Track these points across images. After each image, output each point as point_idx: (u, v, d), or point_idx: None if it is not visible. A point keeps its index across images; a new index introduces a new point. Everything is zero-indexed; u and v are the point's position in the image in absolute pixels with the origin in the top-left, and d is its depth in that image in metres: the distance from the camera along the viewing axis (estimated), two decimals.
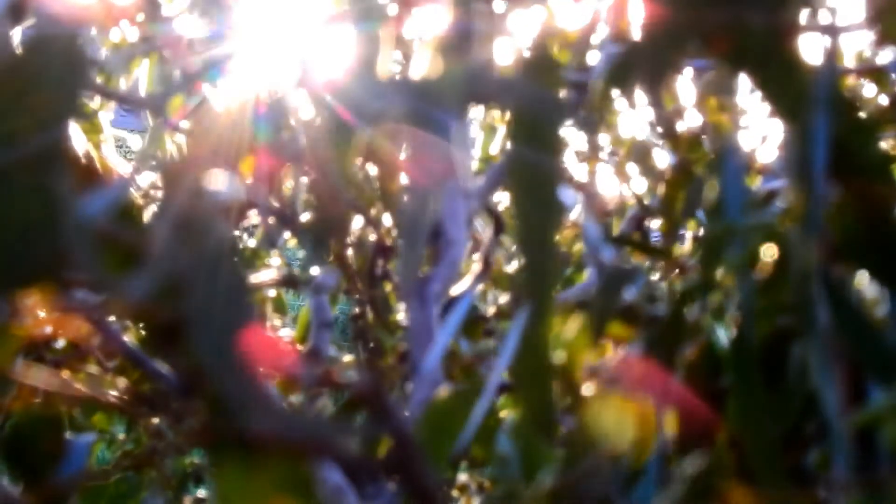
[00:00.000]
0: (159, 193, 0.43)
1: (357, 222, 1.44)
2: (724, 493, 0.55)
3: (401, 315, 1.43)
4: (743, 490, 0.55)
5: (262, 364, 0.44)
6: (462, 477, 1.43)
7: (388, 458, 0.46)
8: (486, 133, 1.61)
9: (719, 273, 0.59)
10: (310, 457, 0.46)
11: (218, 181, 0.48)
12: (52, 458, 0.54)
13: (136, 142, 1.73)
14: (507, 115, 0.56)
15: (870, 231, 0.55)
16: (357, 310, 1.47)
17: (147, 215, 0.46)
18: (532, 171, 0.52)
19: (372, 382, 0.46)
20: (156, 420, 1.33)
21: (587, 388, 0.63)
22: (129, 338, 1.22)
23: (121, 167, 1.46)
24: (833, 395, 0.53)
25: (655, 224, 1.26)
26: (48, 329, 1.23)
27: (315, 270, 1.41)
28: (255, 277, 1.45)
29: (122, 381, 1.28)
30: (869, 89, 1.21)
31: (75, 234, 0.43)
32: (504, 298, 1.42)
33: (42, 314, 0.47)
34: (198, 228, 0.45)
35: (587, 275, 1.33)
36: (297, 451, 0.45)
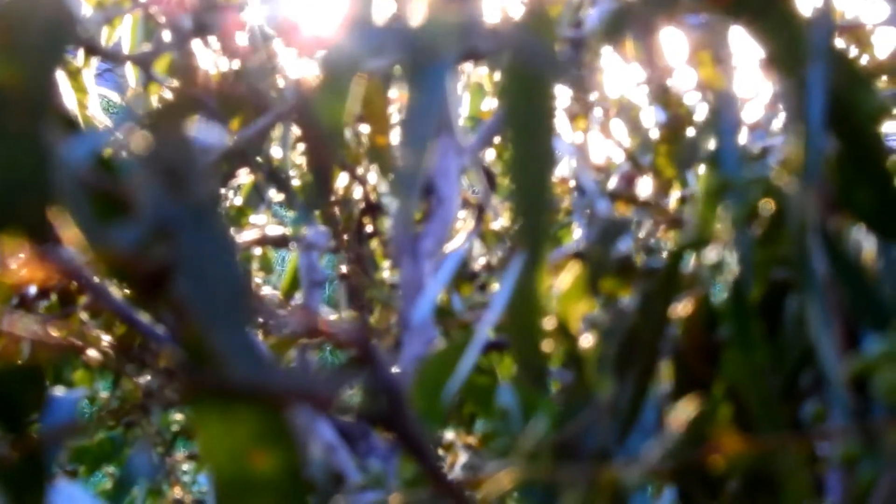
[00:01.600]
0: (144, 145, 0.43)
1: (344, 179, 1.44)
2: (719, 441, 0.55)
3: (387, 273, 1.43)
4: (738, 439, 0.55)
5: (250, 314, 0.43)
6: (449, 435, 1.44)
7: (377, 410, 0.46)
8: (473, 92, 1.60)
9: (716, 227, 0.59)
10: (295, 407, 0.45)
11: (204, 132, 0.48)
12: (32, 411, 0.53)
13: (121, 100, 1.72)
14: (501, 68, 0.56)
15: (867, 183, 0.55)
16: (345, 268, 1.47)
17: (130, 166, 0.45)
18: (527, 120, 0.52)
19: (360, 334, 0.46)
20: (142, 377, 1.33)
21: (583, 340, 0.63)
22: (115, 293, 1.21)
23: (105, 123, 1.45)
24: (830, 346, 0.53)
25: (647, 182, 1.26)
26: (34, 285, 1.23)
27: (304, 229, 1.40)
28: (242, 235, 1.45)
29: (107, 337, 1.28)
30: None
31: (64, 181, 0.43)
32: (496, 255, 1.42)
33: (28, 265, 0.46)
34: (183, 176, 0.44)
35: (575, 233, 1.33)
36: (282, 402, 0.45)
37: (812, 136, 0.53)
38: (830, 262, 0.54)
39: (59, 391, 0.60)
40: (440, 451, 1.44)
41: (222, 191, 1.49)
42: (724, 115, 0.59)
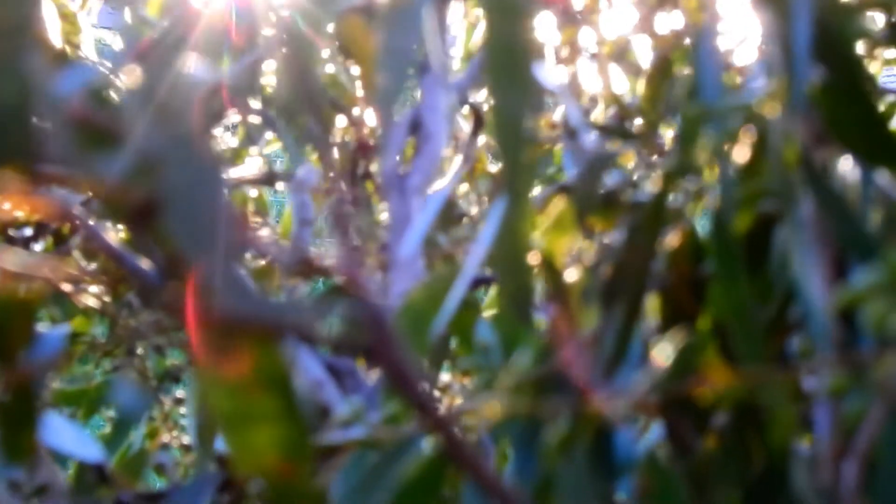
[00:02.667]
0: (133, 78, 0.42)
1: (338, 121, 1.44)
2: (705, 373, 0.55)
3: (380, 213, 1.43)
4: (725, 372, 0.55)
5: (237, 247, 0.44)
6: (445, 377, 1.44)
7: (362, 340, 0.46)
8: (468, 30, 1.59)
9: (698, 158, 0.58)
10: (283, 338, 0.46)
11: (196, 66, 0.48)
12: (21, 344, 0.54)
13: (117, 41, 1.72)
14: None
15: (852, 111, 0.55)
16: (338, 209, 1.47)
17: (121, 97, 0.45)
18: (508, 55, 0.51)
19: (348, 266, 0.46)
20: (135, 319, 1.33)
21: (569, 275, 0.63)
22: (110, 235, 1.22)
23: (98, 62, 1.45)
24: (813, 278, 0.53)
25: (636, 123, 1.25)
26: (28, 225, 1.23)
27: (296, 169, 1.40)
28: (235, 174, 1.45)
29: (103, 279, 1.28)
30: None
31: (48, 113, 0.43)
32: (484, 194, 1.42)
33: (22, 204, 0.46)
34: (173, 109, 0.44)
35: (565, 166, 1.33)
36: (270, 334, 0.45)
37: (797, 64, 0.52)
38: (814, 193, 0.54)
39: (44, 327, 0.60)
40: (437, 393, 1.45)
41: (216, 131, 1.49)
42: (702, 42, 0.58)
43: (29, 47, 0.43)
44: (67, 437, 0.71)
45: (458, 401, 1.42)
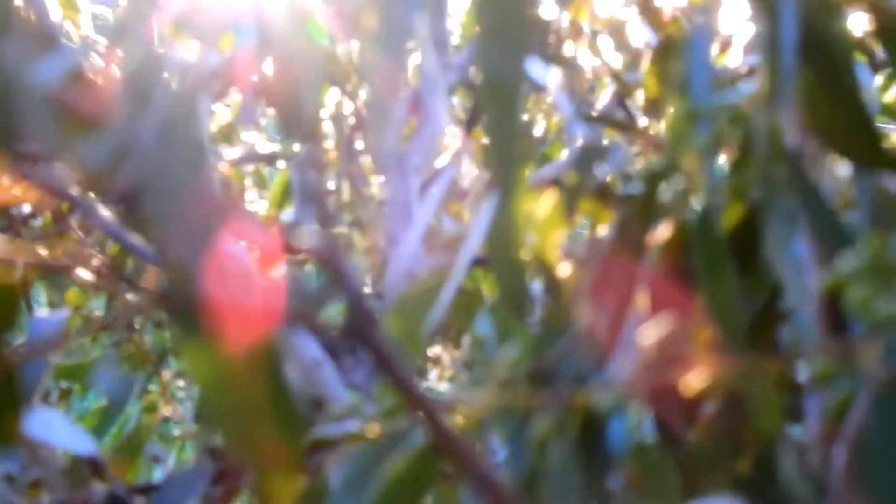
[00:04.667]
0: (118, 62, 0.42)
1: (335, 95, 1.44)
2: (695, 360, 0.55)
3: (376, 189, 1.43)
4: (713, 360, 0.55)
5: (223, 231, 0.44)
6: (436, 349, 1.44)
7: (348, 325, 0.46)
8: (468, 8, 1.59)
9: (686, 157, 0.59)
10: (267, 322, 0.46)
11: (186, 50, 0.48)
12: (4, 329, 0.54)
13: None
14: None
15: (839, 110, 0.55)
16: (334, 184, 1.47)
17: (104, 82, 0.45)
18: (499, 34, 0.51)
19: (330, 247, 0.46)
20: (133, 295, 1.33)
21: (561, 268, 0.63)
22: (106, 212, 1.22)
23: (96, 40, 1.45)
24: (795, 271, 0.53)
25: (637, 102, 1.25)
26: (26, 204, 1.23)
27: (294, 146, 1.40)
28: (233, 153, 1.45)
29: (100, 256, 1.28)
30: None
31: (28, 99, 0.43)
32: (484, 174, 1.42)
33: (18, 184, 0.47)
34: (154, 94, 0.44)
35: (564, 152, 1.33)
36: (255, 317, 0.45)
37: (783, 62, 0.53)
38: (796, 190, 0.54)
39: (42, 312, 0.60)
40: (428, 365, 1.45)
41: (212, 108, 1.49)
42: (695, 41, 0.58)
43: (8, 32, 0.43)
44: (60, 430, 0.71)
45: (449, 373, 1.43)
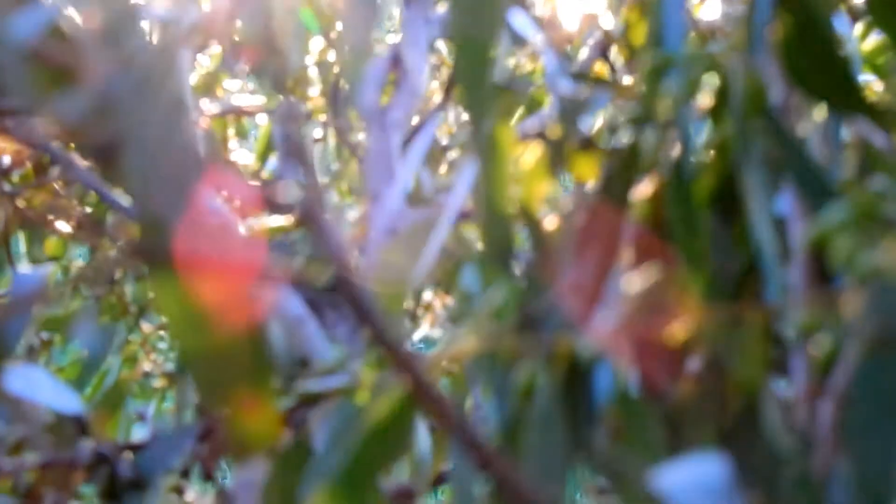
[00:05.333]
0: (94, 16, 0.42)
1: (318, 44, 1.43)
2: (676, 309, 0.55)
3: (361, 138, 1.43)
4: (696, 309, 0.55)
5: (202, 185, 0.43)
6: (427, 295, 1.44)
7: (326, 279, 0.46)
8: None
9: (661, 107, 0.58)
10: (245, 275, 0.45)
11: (164, 4, 0.48)
12: None
13: None
14: None
15: (815, 56, 0.55)
16: (319, 134, 1.47)
17: (81, 35, 0.45)
18: None
19: (311, 203, 0.46)
20: (113, 247, 1.33)
21: (547, 221, 0.63)
22: (85, 166, 1.21)
23: None
24: (766, 222, 0.53)
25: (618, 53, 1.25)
26: (6, 156, 1.22)
27: (275, 98, 1.39)
28: (213, 105, 1.44)
29: (80, 209, 1.28)
30: None
31: (5, 53, 0.43)
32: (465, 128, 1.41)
33: None
34: (132, 47, 0.44)
35: (549, 101, 1.33)
36: (233, 270, 0.45)
37: (758, 8, 0.52)
38: (773, 139, 0.54)
39: (23, 266, 0.60)
40: (419, 312, 1.45)
41: (195, 58, 1.48)
42: None
43: None
44: (44, 387, 0.71)
45: (440, 320, 1.43)
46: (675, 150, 0.57)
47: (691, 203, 0.56)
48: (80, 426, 0.73)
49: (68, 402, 0.72)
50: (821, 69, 0.55)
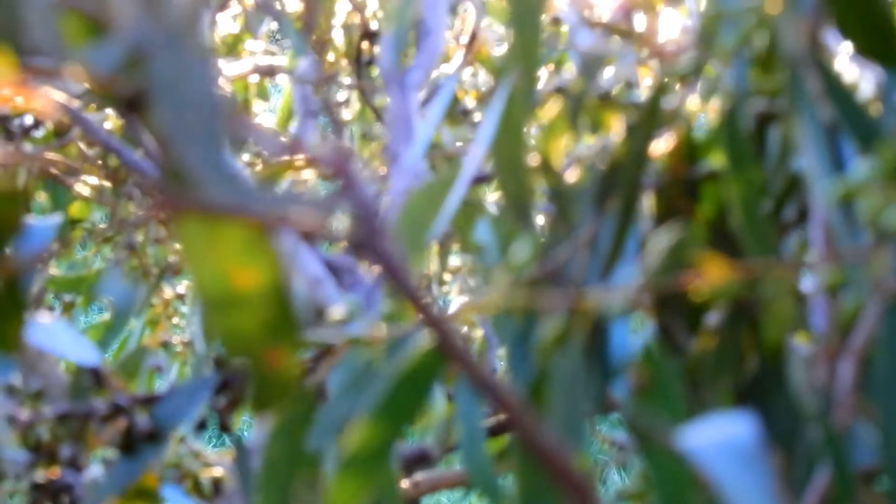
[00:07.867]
0: None
1: (343, 6, 1.43)
2: (700, 268, 0.55)
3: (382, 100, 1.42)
4: (721, 265, 0.54)
5: (226, 137, 0.43)
6: (454, 261, 1.44)
7: (356, 234, 0.45)
8: None
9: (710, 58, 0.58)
10: (276, 230, 0.45)
11: None
12: (8, 235, 0.53)
13: None
14: None
15: (861, 9, 0.54)
16: (341, 98, 1.46)
17: None
18: None
19: (339, 155, 0.46)
20: (135, 210, 1.33)
21: (567, 174, 0.63)
22: (108, 127, 1.21)
23: None
24: (821, 163, 0.53)
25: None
26: (29, 115, 1.22)
27: (297, 60, 1.39)
28: (236, 65, 1.44)
29: (101, 169, 1.28)
30: None
31: (34, 7, 0.42)
32: (485, 88, 1.41)
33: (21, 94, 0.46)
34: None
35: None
36: (260, 223, 0.45)
37: None
38: (821, 85, 0.54)
39: (34, 218, 0.60)
40: (447, 276, 1.45)
41: (217, 18, 1.48)
42: None
43: None
44: (63, 339, 0.71)
45: (469, 283, 1.43)
46: (727, 98, 0.57)
47: (743, 145, 0.56)
48: (97, 379, 0.73)
49: (87, 354, 0.72)
50: (869, 22, 0.54)
